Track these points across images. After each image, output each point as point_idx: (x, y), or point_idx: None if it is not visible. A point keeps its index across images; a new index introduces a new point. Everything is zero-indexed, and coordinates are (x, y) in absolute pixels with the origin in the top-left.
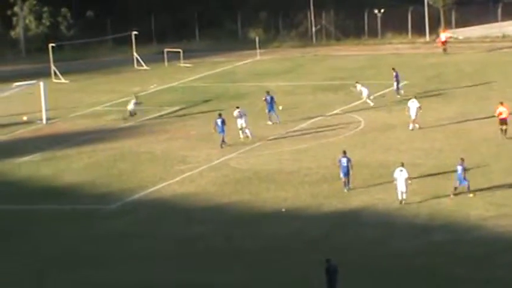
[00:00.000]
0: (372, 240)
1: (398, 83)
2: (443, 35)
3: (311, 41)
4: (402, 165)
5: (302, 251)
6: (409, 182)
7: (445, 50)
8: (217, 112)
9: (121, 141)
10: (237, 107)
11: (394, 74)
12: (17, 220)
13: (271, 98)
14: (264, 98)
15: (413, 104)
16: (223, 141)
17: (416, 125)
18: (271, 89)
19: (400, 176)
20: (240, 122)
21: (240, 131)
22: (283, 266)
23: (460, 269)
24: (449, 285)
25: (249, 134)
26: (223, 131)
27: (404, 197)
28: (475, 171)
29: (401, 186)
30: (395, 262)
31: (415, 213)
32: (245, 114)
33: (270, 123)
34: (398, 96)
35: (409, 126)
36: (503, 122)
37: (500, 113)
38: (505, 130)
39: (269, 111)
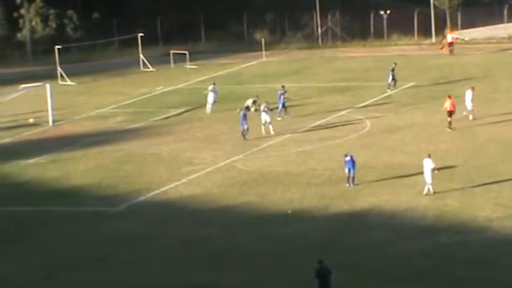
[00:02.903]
0: (378, 242)
1: (393, 78)
2: (450, 36)
3: (317, 43)
4: (429, 156)
5: (308, 252)
6: (436, 172)
7: (451, 51)
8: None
9: (127, 143)
10: (266, 101)
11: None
12: (24, 222)
13: (282, 94)
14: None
15: (468, 95)
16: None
17: (470, 116)
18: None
19: (426, 166)
20: (265, 117)
21: (263, 126)
22: (289, 267)
23: (466, 270)
24: (456, 287)
25: (271, 129)
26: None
27: (430, 188)
28: (481, 172)
29: (427, 176)
30: (401, 264)
31: (422, 214)
32: (270, 110)
33: (279, 118)
34: (389, 90)
35: (469, 117)
36: (450, 113)
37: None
38: (450, 122)
39: (282, 107)
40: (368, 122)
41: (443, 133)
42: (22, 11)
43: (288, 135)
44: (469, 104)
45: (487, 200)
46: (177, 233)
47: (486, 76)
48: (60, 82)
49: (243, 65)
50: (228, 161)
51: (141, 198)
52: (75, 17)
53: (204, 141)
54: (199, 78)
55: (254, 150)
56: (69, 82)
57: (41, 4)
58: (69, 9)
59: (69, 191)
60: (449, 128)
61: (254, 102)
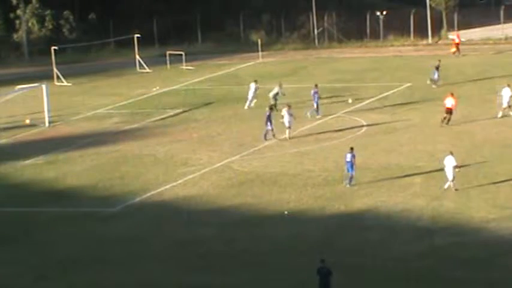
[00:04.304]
0: (374, 243)
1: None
2: (456, 37)
3: (313, 44)
4: (451, 153)
5: (304, 253)
6: (457, 170)
7: (458, 51)
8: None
9: (123, 144)
10: (288, 106)
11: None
12: (20, 223)
13: (316, 92)
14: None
15: (506, 92)
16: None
17: (511, 113)
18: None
19: (448, 163)
20: (288, 121)
21: (288, 130)
22: (285, 268)
23: (462, 271)
24: None
25: (287, 134)
26: (269, 124)
27: (452, 185)
28: (478, 173)
29: (449, 173)
30: (398, 265)
31: (418, 215)
32: (291, 114)
33: (318, 117)
34: (434, 86)
35: (498, 114)
36: (448, 111)
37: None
38: (448, 119)
39: (317, 105)
40: (364, 123)
41: (440, 134)
42: (18, 12)
43: (284, 136)
44: (505, 102)
45: (483, 201)
46: (173, 234)
47: (482, 77)
48: (56, 83)
49: (239, 66)
50: (224, 162)
51: (137, 199)
52: (71, 18)
53: (200, 142)
54: (195, 79)
55: (250, 151)
56: (65, 83)
57: (37, 5)
58: (65, 10)
59: (65, 192)
60: (441, 123)
61: (276, 94)
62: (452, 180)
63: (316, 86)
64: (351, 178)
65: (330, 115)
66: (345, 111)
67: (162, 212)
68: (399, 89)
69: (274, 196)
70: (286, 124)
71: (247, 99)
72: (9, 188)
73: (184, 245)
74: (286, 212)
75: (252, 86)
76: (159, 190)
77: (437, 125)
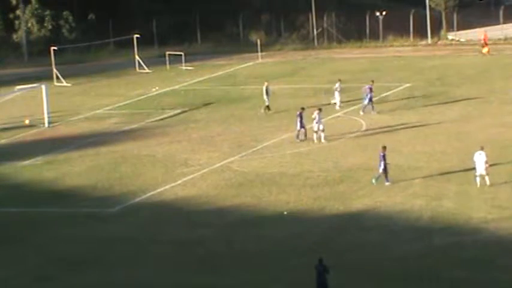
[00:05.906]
0: (373, 244)
1: None
2: (484, 35)
3: (313, 44)
4: (482, 148)
5: (304, 253)
6: (487, 165)
7: (488, 50)
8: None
9: (123, 144)
10: (319, 109)
11: None
12: (20, 223)
13: (370, 89)
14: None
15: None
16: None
17: None
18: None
19: (479, 159)
20: (317, 125)
21: (315, 133)
22: (285, 269)
23: (461, 271)
24: None
25: (322, 138)
26: (301, 125)
27: (487, 180)
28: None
29: (480, 169)
30: (397, 265)
31: (417, 216)
32: (321, 118)
33: (361, 113)
34: None
35: None
36: None
37: None
38: None
39: (369, 102)
40: (364, 123)
41: (440, 134)
42: (18, 12)
43: (284, 136)
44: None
45: (482, 201)
46: (172, 234)
47: (482, 77)
48: (55, 83)
49: (239, 66)
50: (223, 162)
51: (137, 199)
52: (70, 18)
53: (200, 143)
54: (194, 79)
55: (250, 151)
56: (64, 83)
57: (36, 5)
58: (64, 11)
59: (64, 193)
60: None
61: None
62: (486, 175)
63: (372, 82)
64: (378, 176)
65: (329, 115)
66: (344, 111)
67: (161, 212)
68: (399, 89)
69: (274, 196)
70: (316, 128)
71: (335, 103)
72: (9, 188)
73: (184, 245)
74: (285, 212)
75: (337, 85)
76: (158, 190)
77: (437, 126)
